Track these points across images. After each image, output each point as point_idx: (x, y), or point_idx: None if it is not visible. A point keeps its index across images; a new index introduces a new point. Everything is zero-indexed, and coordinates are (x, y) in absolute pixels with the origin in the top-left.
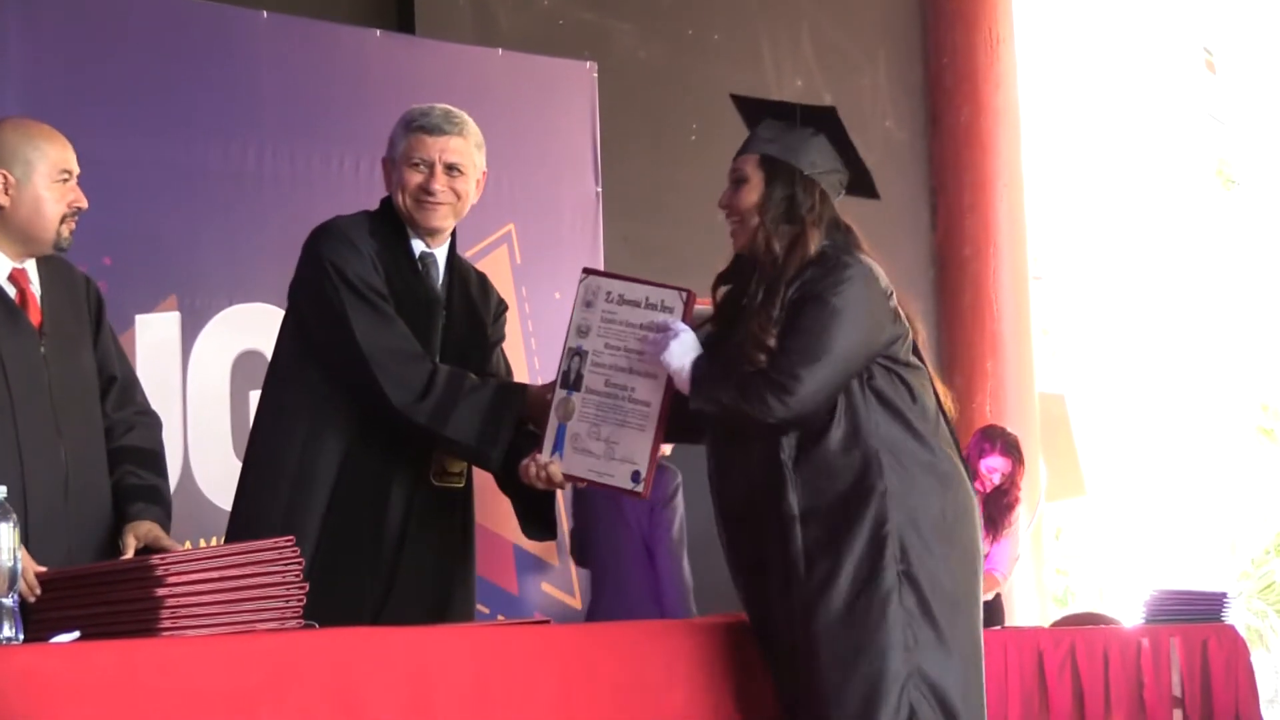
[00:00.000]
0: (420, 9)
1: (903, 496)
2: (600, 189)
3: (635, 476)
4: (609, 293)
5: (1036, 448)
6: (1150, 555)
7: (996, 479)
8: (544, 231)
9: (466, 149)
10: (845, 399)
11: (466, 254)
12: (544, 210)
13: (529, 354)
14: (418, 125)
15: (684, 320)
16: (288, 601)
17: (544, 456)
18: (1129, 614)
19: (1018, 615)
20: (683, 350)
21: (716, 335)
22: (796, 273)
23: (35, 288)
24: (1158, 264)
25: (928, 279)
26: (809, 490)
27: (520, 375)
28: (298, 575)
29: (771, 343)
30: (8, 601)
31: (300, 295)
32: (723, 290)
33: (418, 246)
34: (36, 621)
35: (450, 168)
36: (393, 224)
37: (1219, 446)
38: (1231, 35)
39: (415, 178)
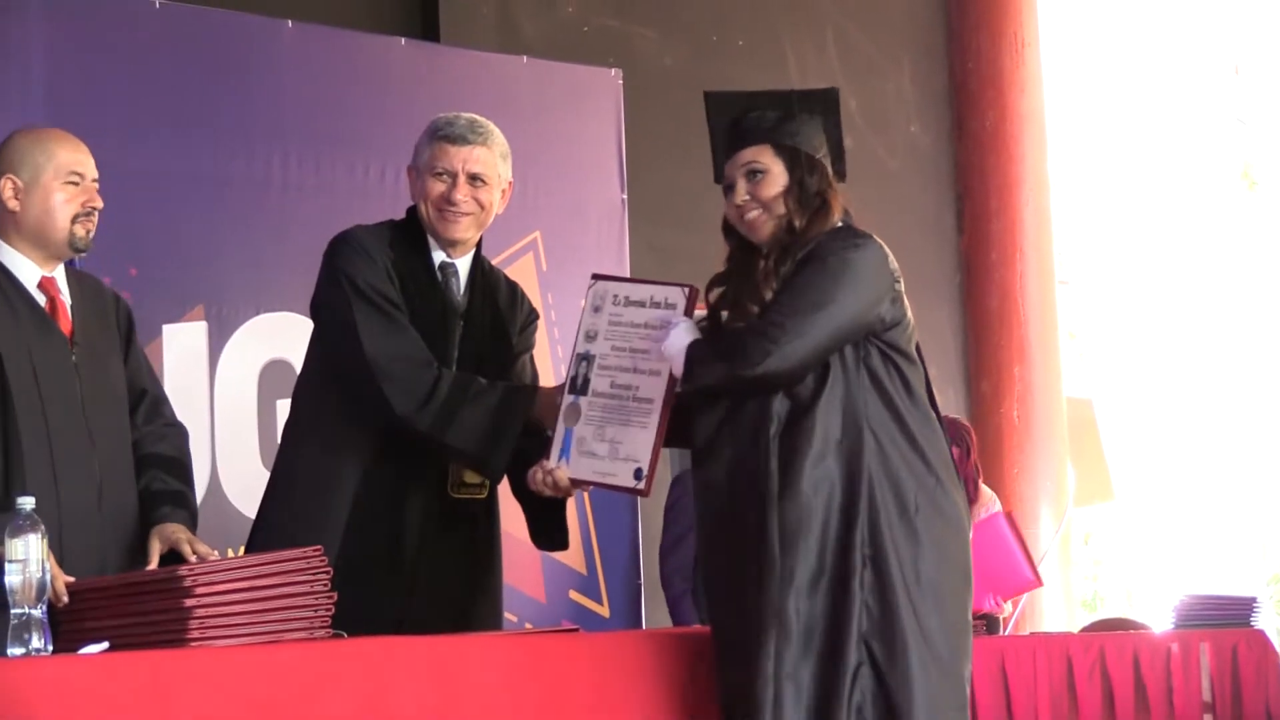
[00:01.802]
0: (445, 17)
1: (881, 480)
2: (626, 196)
3: (638, 474)
4: (615, 296)
5: (1064, 452)
6: (1179, 560)
7: None
8: (570, 239)
9: (491, 159)
10: (840, 372)
11: (492, 261)
12: (570, 217)
13: (555, 361)
14: (442, 135)
15: (687, 315)
16: (316, 611)
17: (551, 462)
18: (1158, 619)
19: (1046, 620)
20: (679, 336)
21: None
22: (813, 237)
23: (65, 297)
24: (1184, 267)
25: (954, 284)
26: (790, 464)
27: (545, 380)
28: (325, 585)
29: (768, 296)
30: (36, 613)
31: (316, 305)
32: (716, 292)
33: (438, 256)
34: (66, 632)
35: (474, 178)
36: (415, 233)
37: (1247, 450)
38: (1256, 37)
39: (438, 187)
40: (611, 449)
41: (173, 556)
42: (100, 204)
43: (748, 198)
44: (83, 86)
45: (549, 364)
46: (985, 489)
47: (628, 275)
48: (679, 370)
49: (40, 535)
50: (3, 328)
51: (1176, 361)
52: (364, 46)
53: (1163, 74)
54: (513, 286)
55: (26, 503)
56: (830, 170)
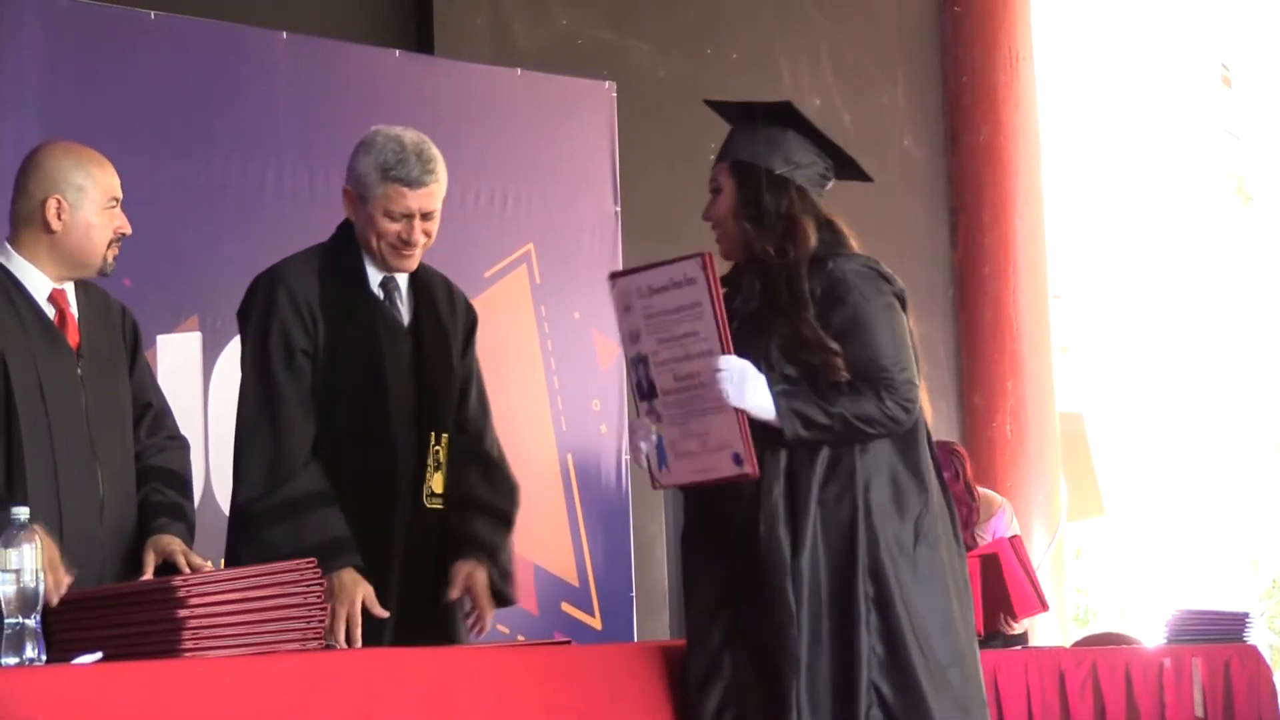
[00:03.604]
0: (439, 29)
1: (879, 515)
2: (619, 208)
3: (736, 459)
4: (639, 289)
5: (1057, 467)
6: (1171, 575)
7: None
8: (563, 251)
9: (441, 190)
10: None
11: (486, 274)
12: (563, 230)
13: (549, 373)
14: (396, 176)
15: (709, 284)
16: (309, 622)
17: (655, 473)
18: (1150, 634)
19: (1038, 635)
20: (751, 386)
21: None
22: (810, 268)
23: (74, 309)
24: (1177, 281)
25: (947, 297)
26: (795, 492)
27: (539, 393)
28: (319, 596)
29: (833, 345)
30: (30, 622)
31: (241, 338)
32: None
33: (377, 275)
34: (59, 642)
35: (426, 215)
36: (350, 254)
37: (1239, 465)
38: (1248, 50)
39: (393, 228)
40: (702, 442)
41: (168, 568)
42: (129, 230)
43: (708, 217)
44: (78, 97)
45: (541, 375)
46: (992, 494)
47: (635, 266)
48: (775, 420)
49: (35, 545)
50: (10, 339)
51: (1168, 376)
52: (358, 58)
53: (1155, 88)
54: (449, 286)
55: (21, 513)
56: (810, 185)
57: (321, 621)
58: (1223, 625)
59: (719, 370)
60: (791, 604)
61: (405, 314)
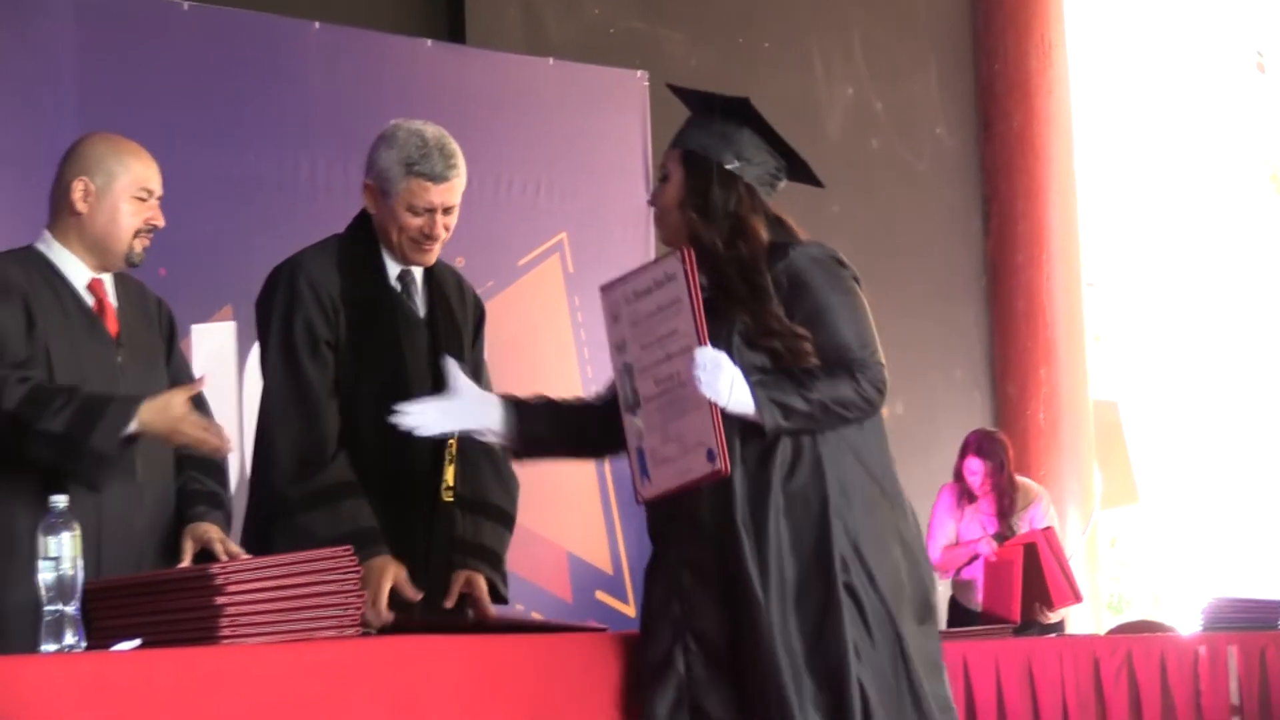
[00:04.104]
0: (471, 19)
1: (843, 502)
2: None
3: (710, 455)
4: (626, 296)
5: (1090, 454)
6: (1206, 563)
7: (976, 481)
8: (596, 240)
9: (461, 184)
10: None
11: (519, 263)
12: (596, 219)
13: (581, 363)
14: (419, 171)
15: (688, 278)
16: (345, 609)
17: (636, 484)
18: (1185, 622)
19: (1073, 623)
20: (725, 376)
21: None
22: (768, 260)
23: (112, 299)
24: (1211, 269)
25: (980, 286)
26: (758, 483)
27: (572, 383)
28: (355, 584)
29: (801, 330)
30: (70, 609)
31: (259, 334)
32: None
33: (395, 268)
34: (99, 629)
35: (448, 210)
36: (367, 245)
37: (1274, 452)
38: None
39: (415, 222)
40: (680, 445)
41: (206, 555)
42: (162, 223)
43: (651, 202)
44: (113, 88)
45: (574, 365)
46: (1030, 483)
47: (624, 274)
48: (756, 416)
49: (74, 533)
50: (53, 327)
51: (1202, 364)
52: (391, 48)
53: (1189, 75)
54: (458, 279)
55: (60, 501)
56: (759, 184)
57: (358, 609)
58: (1259, 613)
59: (694, 362)
60: (759, 595)
61: (421, 307)
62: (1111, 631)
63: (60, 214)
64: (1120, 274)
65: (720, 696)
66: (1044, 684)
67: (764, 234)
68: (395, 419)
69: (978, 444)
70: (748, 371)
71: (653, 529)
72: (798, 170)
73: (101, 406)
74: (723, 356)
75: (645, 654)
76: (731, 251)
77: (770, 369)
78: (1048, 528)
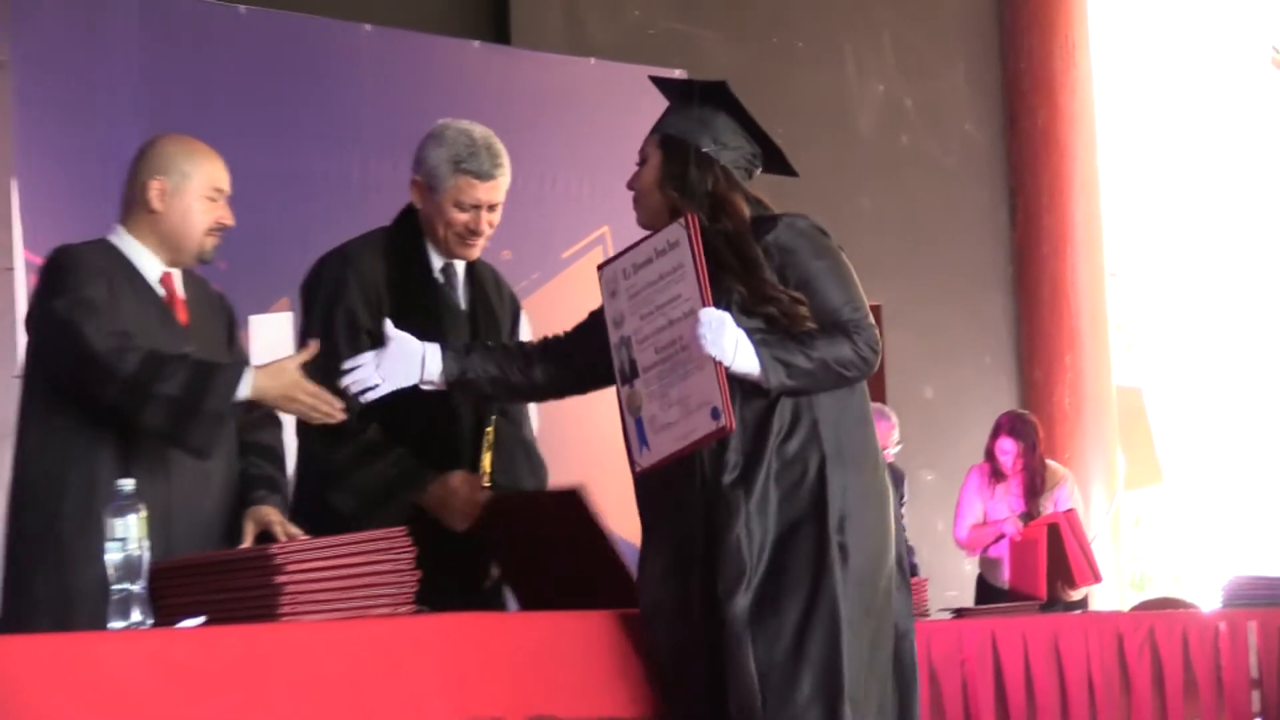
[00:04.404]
0: (515, 20)
1: (835, 468)
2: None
3: (714, 413)
4: (623, 271)
5: (1114, 438)
6: (1226, 541)
7: (1008, 461)
8: (637, 233)
9: (506, 182)
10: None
11: (563, 255)
12: None
13: None
14: (467, 169)
15: (692, 244)
16: (400, 588)
17: (634, 455)
18: (1205, 599)
19: (1097, 600)
20: (730, 335)
21: None
22: (755, 233)
23: (181, 292)
24: (1232, 258)
25: (1007, 276)
26: (754, 446)
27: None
28: (410, 563)
29: (796, 294)
30: (136, 588)
31: (303, 313)
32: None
33: (438, 261)
34: (164, 607)
35: (492, 206)
36: (412, 239)
37: None
38: None
39: (461, 218)
40: (682, 408)
41: (265, 537)
42: (231, 222)
43: (630, 185)
44: (175, 88)
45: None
46: (1057, 466)
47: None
48: (759, 375)
49: (140, 515)
50: (130, 314)
51: (1225, 350)
52: (439, 49)
53: (1207, 70)
54: (495, 274)
55: (126, 484)
56: (734, 168)
57: (413, 587)
58: (1277, 590)
59: (698, 322)
60: (747, 558)
61: (462, 299)
62: (1135, 608)
63: (135, 210)
64: (1144, 264)
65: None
66: (1070, 659)
67: (745, 209)
68: (341, 380)
69: (1010, 424)
70: (748, 335)
71: (642, 501)
72: (773, 159)
73: (213, 371)
74: (726, 316)
75: (656, 632)
76: (716, 225)
77: (769, 332)
78: (1070, 510)
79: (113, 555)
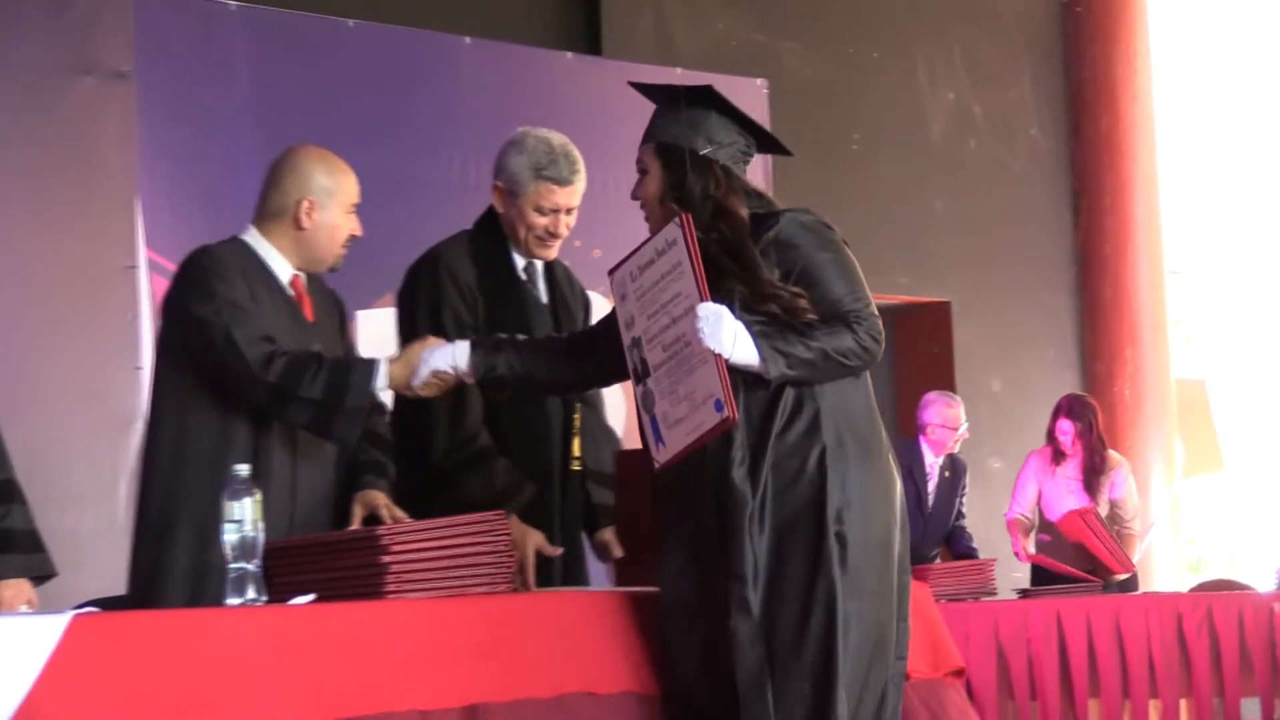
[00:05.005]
0: (606, 32)
1: (848, 455)
2: (771, 193)
3: (718, 405)
4: (630, 274)
5: (1173, 428)
6: None
7: (1067, 441)
8: None
9: (582, 188)
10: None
11: None
12: None
13: None
14: (548, 176)
15: (687, 241)
16: (498, 568)
17: (652, 452)
18: (1261, 581)
19: (1157, 581)
20: (728, 328)
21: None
22: (754, 230)
23: (307, 291)
24: None
25: (1071, 274)
26: (758, 437)
27: None
28: (507, 544)
29: (796, 289)
30: (251, 567)
31: (404, 316)
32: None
33: (521, 260)
34: (278, 585)
35: (570, 210)
36: (495, 240)
37: None
38: None
39: (541, 221)
40: (690, 403)
41: (372, 519)
42: (361, 233)
43: (635, 197)
44: (287, 97)
45: None
46: (1113, 454)
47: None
48: (759, 365)
49: (254, 499)
50: (266, 311)
51: None
52: (535, 60)
53: (1267, 73)
54: (567, 271)
55: (242, 469)
56: (732, 162)
57: (509, 566)
58: None
59: (696, 316)
60: (755, 552)
61: (544, 294)
62: (1193, 590)
63: (278, 220)
64: (1207, 262)
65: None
66: (1131, 637)
67: (743, 210)
68: None
69: (1069, 406)
70: (747, 327)
71: (660, 497)
72: (766, 143)
73: (350, 369)
74: (724, 309)
75: (670, 617)
76: (713, 234)
77: (770, 324)
78: (1086, 508)
79: (230, 536)
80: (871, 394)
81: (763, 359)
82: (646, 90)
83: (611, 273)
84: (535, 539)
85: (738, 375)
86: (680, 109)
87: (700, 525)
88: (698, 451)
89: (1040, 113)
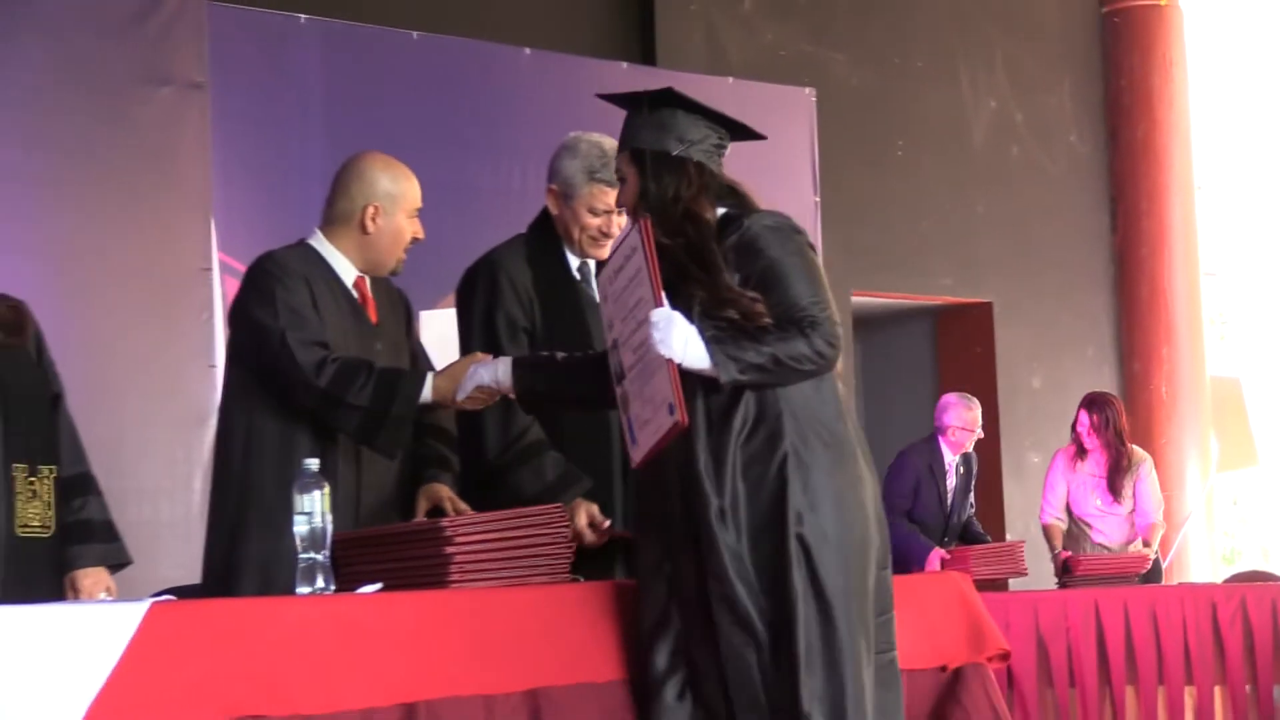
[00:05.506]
0: (661, 44)
1: (797, 449)
2: (819, 199)
3: (670, 409)
4: (609, 277)
5: (1208, 424)
6: None
7: (1084, 433)
8: None
9: None
10: None
11: None
12: None
13: None
14: (600, 178)
15: (645, 245)
16: (557, 559)
17: (630, 451)
18: None
19: (1192, 572)
20: (678, 333)
21: None
22: (724, 230)
23: (371, 293)
24: None
25: (1109, 276)
26: (718, 441)
27: None
28: (566, 536)
29: (753, 294)
30: (320, 557)
31: (462, 317)
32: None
33: (574, 260)
34: (346, 574)
35: (621, 209)
36: (550, 242)
37: None
38: None
39: (594, 222)
40: (652, 406)
41: (436, 512)
42: (423, 237)
43: (619, 206)
44: (353, 106)
45: None
46: (1137, 449)
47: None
48: (711, 370)
49: (323, 491)
50: (328, 313)
51: None
52: (591, 70)
53: None
54: None
55: (312, 464)
56: (706, 158)
57: (569, 557)
58: None
59: (649, 322)
60: (724, 554)
61: (597, 294)
62: (1227, 580)
63: (344, 225)
64: (1242, 264)
65: (709, 649)
66: (1167, 626)
67: (710, 213)
68: None
69: (1089, 401)
70: (706, 330)
71: (636, 495)
72: (737, 131)
73: (399, 380)
74: (676, 315)
75: (644, 611)
76: (679, 238)
77: (726, 329)
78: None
79: (300, 527)
80: (839, 395)
81: (714, 363)
82: (612, 99)
83: (597, 275)
84: (585, 508)
85: (695, 379)
86: (645, 113)
87: (670, 522)
88: (664, 451)
89: (1079, 120)
